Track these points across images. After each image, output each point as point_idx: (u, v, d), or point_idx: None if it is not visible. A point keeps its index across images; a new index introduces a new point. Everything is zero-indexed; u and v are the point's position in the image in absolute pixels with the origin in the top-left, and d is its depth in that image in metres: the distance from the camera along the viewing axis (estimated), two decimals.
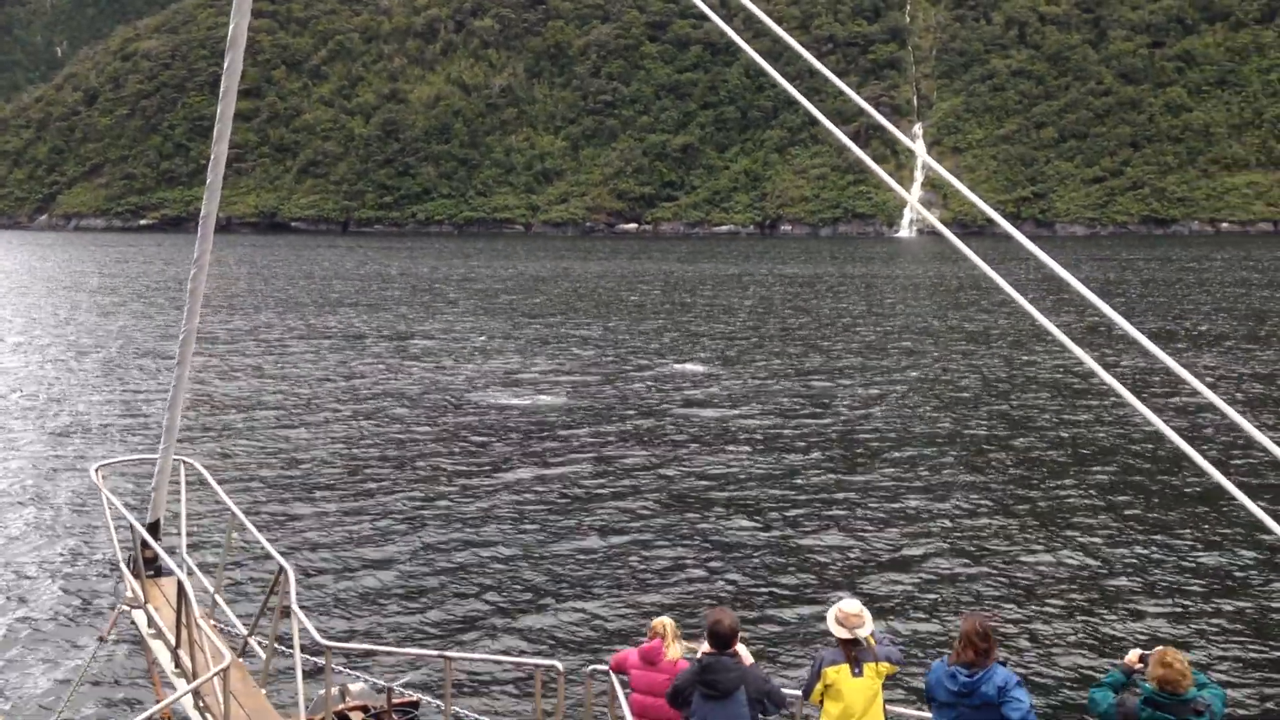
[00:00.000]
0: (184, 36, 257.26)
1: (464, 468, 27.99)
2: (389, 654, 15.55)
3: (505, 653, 16.12)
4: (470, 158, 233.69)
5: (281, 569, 9.63)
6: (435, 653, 12.83)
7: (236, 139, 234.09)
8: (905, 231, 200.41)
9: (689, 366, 45.13)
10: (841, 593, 17.22)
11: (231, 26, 7.80)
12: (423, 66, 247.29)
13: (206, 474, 12.04)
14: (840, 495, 25.14)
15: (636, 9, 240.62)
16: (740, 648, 8.71)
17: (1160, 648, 7.93)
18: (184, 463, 12.19)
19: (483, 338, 54.74)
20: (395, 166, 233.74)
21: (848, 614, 8.46)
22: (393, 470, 27.70)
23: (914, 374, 43.05)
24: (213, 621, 11.09)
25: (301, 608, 10.06)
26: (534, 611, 18.07)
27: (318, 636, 9.81)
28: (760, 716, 8.61)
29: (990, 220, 3.66)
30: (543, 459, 28.84)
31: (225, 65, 8.38)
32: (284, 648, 10.55)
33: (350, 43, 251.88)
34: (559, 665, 10.90)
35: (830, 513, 23.79)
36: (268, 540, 10.78)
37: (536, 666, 11.65)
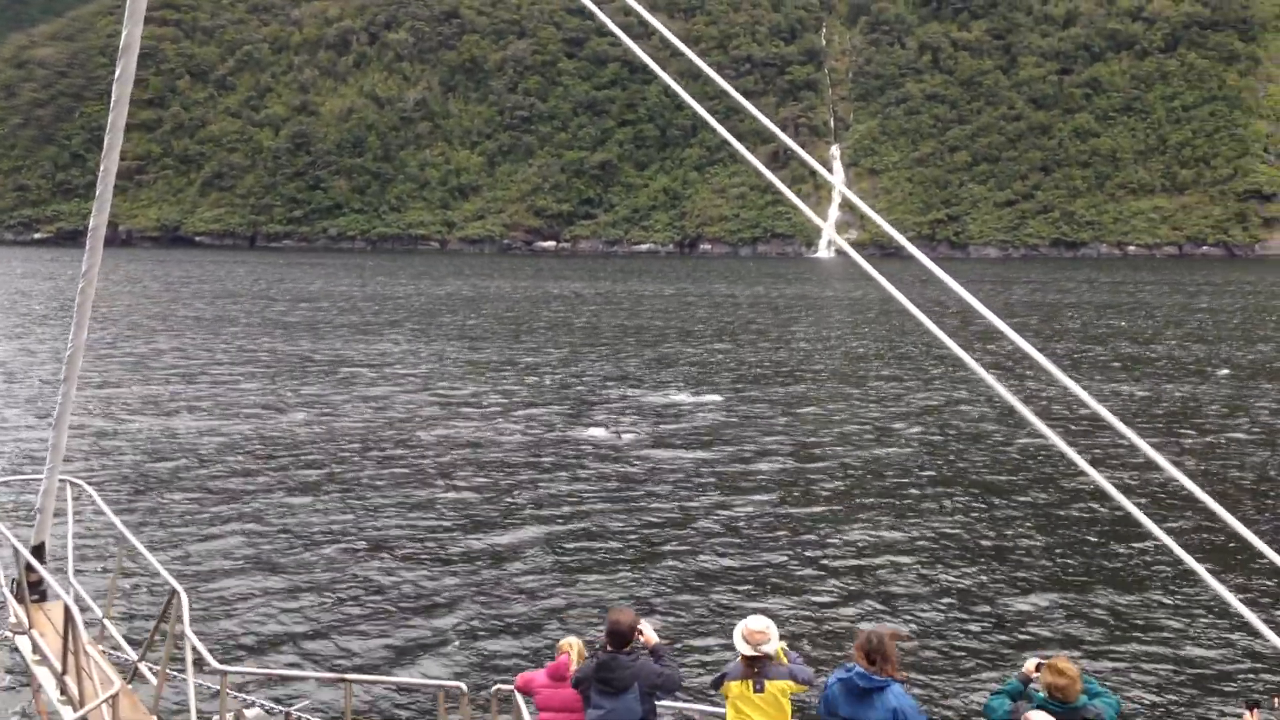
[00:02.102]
0: (81, 44, 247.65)
1: (365, 489, 27.19)
2: (287, 678, 15.24)
3: (408, 675, 15.79)
4: (384, 172, 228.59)
5: (174, 592, 9.45)
6: (334, 676, 12.61)
7: (138, 150, 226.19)
8: (824, 252, 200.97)
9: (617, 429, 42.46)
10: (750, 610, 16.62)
11: (124, 34, 7.43)
12: (334, 78, 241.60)
13: (95, 494, 11.84)
14: (742, 516, 24.87)
15: (553, 25, 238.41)
16: (644, 626, 9.04)
17: (1054, 656, 8.02)
18: (70, 483, 11.98)
19: (396, 356, 52.43)
20: (305, 180, 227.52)
21: (752, 630, 8.45)
22: (291, 492, 26.80)
23: (836, 397, 41.77)
24: (101, 647, 10.86)
25: (196, 632, 9.69)
26: (437, 633, 17.70)
27: (212, 661, 9.60)
28: (656, 703, 8.93)
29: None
30: (447, 481, 28.07)
31: (117, 74, 8.07)
32: (177, 673, 10.22)
33: (259, 53, 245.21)
34: (463, 686, 10.79)
35: (742, 533, 23.53)
36: (160, 563, 10.53)
37: (439, 688, 11.40)
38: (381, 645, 17.18)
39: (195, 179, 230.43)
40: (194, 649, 9.23)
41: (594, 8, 5.51)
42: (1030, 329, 69.18)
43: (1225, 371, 49.12)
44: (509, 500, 26.14)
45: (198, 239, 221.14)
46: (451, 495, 26.48)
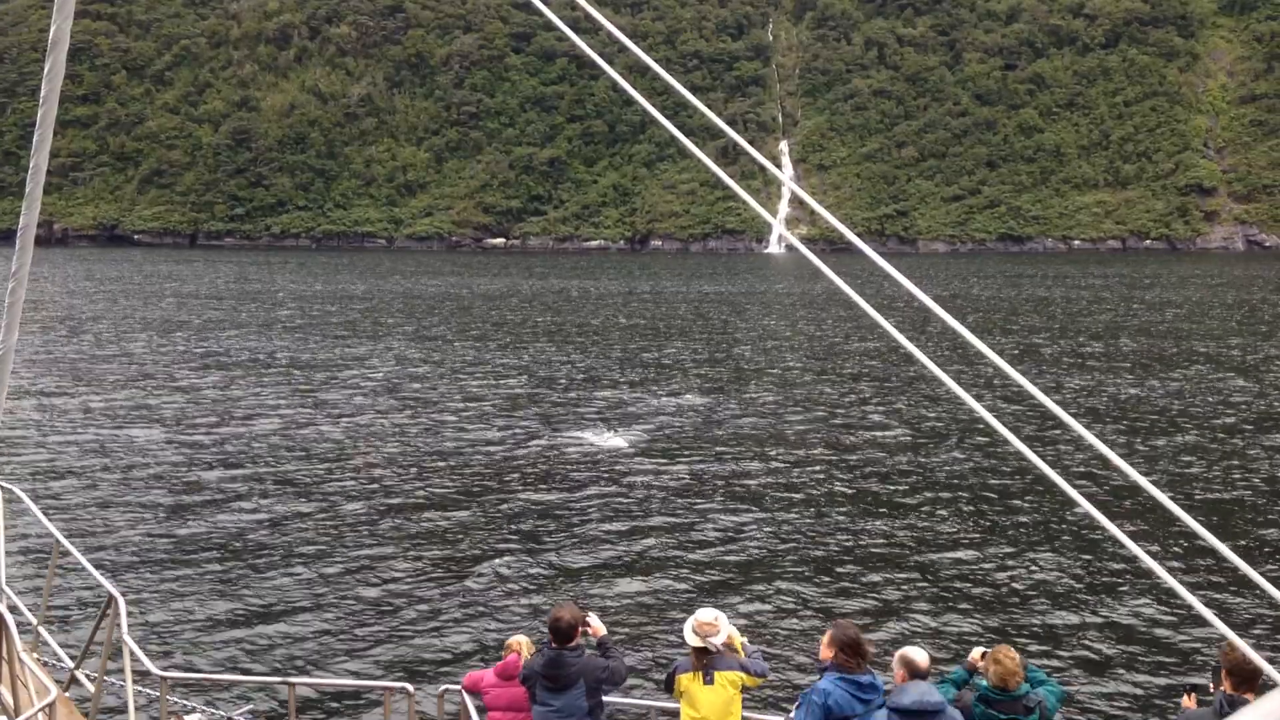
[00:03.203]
0: (13, 39, 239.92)
1: (304, 490, 26.71)
2: (229, 682, 15.00)
3: (353, 676, 15.59)
4: (328, 169, 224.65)
5: (111, 598, 9.36)
6: (278, 679, 12.57)
7: (74, 146, 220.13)
8: (775, 248, 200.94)
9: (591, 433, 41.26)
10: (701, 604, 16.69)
11: (53, 28, 7.06)
12: (275, 74, 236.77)
13: (28, 500, 11.70)
14: (704, 513, 24.65)
15: (500, 20, 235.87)
16: (592, 619, 9.07)
17: (997, 645, 8.12)
18: (3, 488, 11.95)
19: (346, 356, 50.86)
20: (247, 177, 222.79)
21: (702, 623, 8.50)
22: (230, 494, 26.37)
23: (783, 391, 40.69)
24: (36, 655, 10.70)
25: (135, 638, 9.56)
26: (381, 634, 17.47)
27: (151, 666, 9.54)
28: (603, 696, 8.94)
29: (856, 237, 4.11)
30: (389, 480, 27.62)
31: (46, 69, 7.73)
32: (115, 680, 10.17)
33: (197, 48, 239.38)
34: (409, 687, 10.71)
35: (706, 530, 23.37)
36: (96, 568, 10.39)
37: (385, 689, 11.35)
38: (326, 647, 16.94)
39: (133, 176, 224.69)
40: (133, 655, 9.09)
41: (540, 4, 5.30)
42: (986, 325, 69.04)
43: (1172, 362, 49.11)
44: (453, 499, 25.73)
45: (136, 237, 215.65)
46: (395, 497, 26.03)
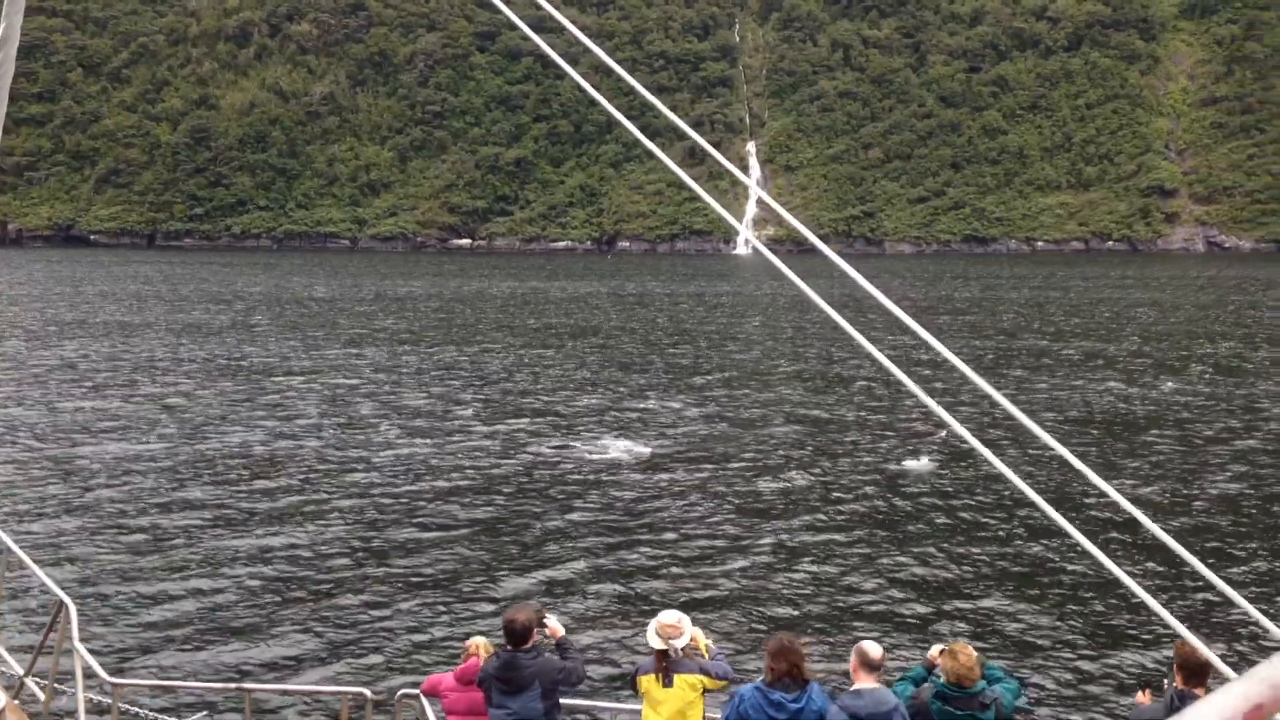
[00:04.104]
0: None
1: (257, 493, 26.20)
2: (182, 689, 14.66)
3: (309, 682, 15.30)
4: (289, 168, 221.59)
5: (61, 604, 9.31)
6: (232, 685, 12.20)
7: (28, 145, 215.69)
8: (743, 248, 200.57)
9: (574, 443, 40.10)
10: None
11: (3, 24, 6.93)
12: (235, 72, 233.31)
13: None
14: (669, 517, 24.28)
15: (464, 18, 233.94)
16: (550, 619, 9.02)
17: (953, 642, 8.16)
18: None
19: (302, 360, 49.43)
20: (206, 176, 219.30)
21: (664, 625, 8.53)
22: (181, 497, 25.76)
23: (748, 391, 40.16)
24: None
25: (85, 644, 9.50)
26: (339, 638, 17.16)
27: (102, 673, 9.45)
28: (560, 698, 8.89)
29: (822, 238, 4.37)
30: (345, 483, 27.15)
31: None
32: (66, 687, 10.05)
33: (155, 45, 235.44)
34: (366, 692, 10.55)
35: (670, 534, 23.03)
36: (47, 574, 10.43)
37: (342, 694, 11.17)
38: (281, 653, 16.61)
39: (89, 175, 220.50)
40: (83, 661, 9.00)
41: (501, 5, 5.07)
42: (954, 326, 68.71)
43: (1137, 362, 48.88)
44: (411, 502, 25.24)
45: (93, 238, 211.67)
46: (350, 500, 25.49)
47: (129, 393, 41.37)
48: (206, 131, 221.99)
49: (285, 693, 14.83)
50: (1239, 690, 1.10)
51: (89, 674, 9.32)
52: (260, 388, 42.53)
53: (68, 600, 9.33)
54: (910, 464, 29.22)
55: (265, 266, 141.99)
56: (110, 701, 9.80)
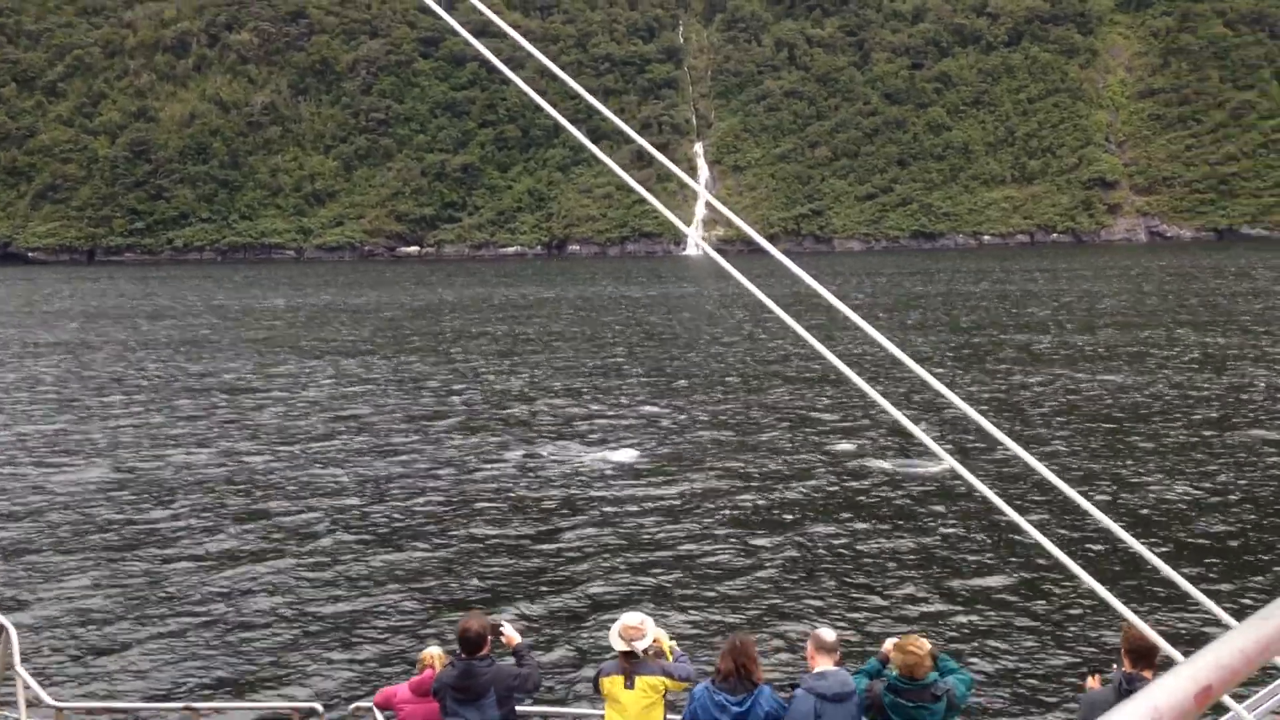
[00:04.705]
0: None
1: (203, 510, 25.58)
2: (129, 710, 14.26)
3: (259, 699, 14.92)
4: (232, 179, 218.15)
5: (2, 627, 9.15)
6: (180, 705, 12.15)
7: None
8: (693, 250, 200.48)
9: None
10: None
11: None
12: (174, 83, 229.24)
13: None
14: (629, 521, 23.92)
15: (407, 24, 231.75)
16: (506, 627, 9.02)
17: (905, 635, 8.22)
18: None
19: (249, 375, 48.48)
20: (147, 189, 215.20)
21: (627, 627, 8.56)
22: (125, 516, 25.10)
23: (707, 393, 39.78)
24: None
25: (28, 668, 9.26)
26: (287, 655, 16.83)
27: (46, 697, 9.31)
28: (516, 705, 8.90)
29: (772, 237, 4.35)
30: (292, 495, 26.69)
31: None
32: (9, 712, 9.88)
33: (90, 58, 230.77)
34: (318, 707, 10.46)
35: (628, 539, 22.68)
36: None
37: (293, 710, 11.01)
38: (230, 671, 16.39)
39: (26, 191, 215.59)
40: (26, 686, 8.83)
41: (441, 12, 4.98)
42: (900, 322, 68.88)
43: (1070, 352, 49.24)
44: (360, 515, 24.73)
45: (30, 255, 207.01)
46: (299, 514, 24.94)
47: (70, 412, 40.38)
48: (146, 144, 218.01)
49: (236, 711, 14.65)
50: (1187, 672, 1.13)
51: (32, 699, 9.08)
52: (208, 403, 41.61)
53: (8, 623, 9.19)
54: (869, 460, 28.94)
55: (210, 279, 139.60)
56: None
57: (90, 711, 14.09)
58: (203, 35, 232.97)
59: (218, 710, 14.27)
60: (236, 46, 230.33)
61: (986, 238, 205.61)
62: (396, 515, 24.62)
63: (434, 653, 9.66)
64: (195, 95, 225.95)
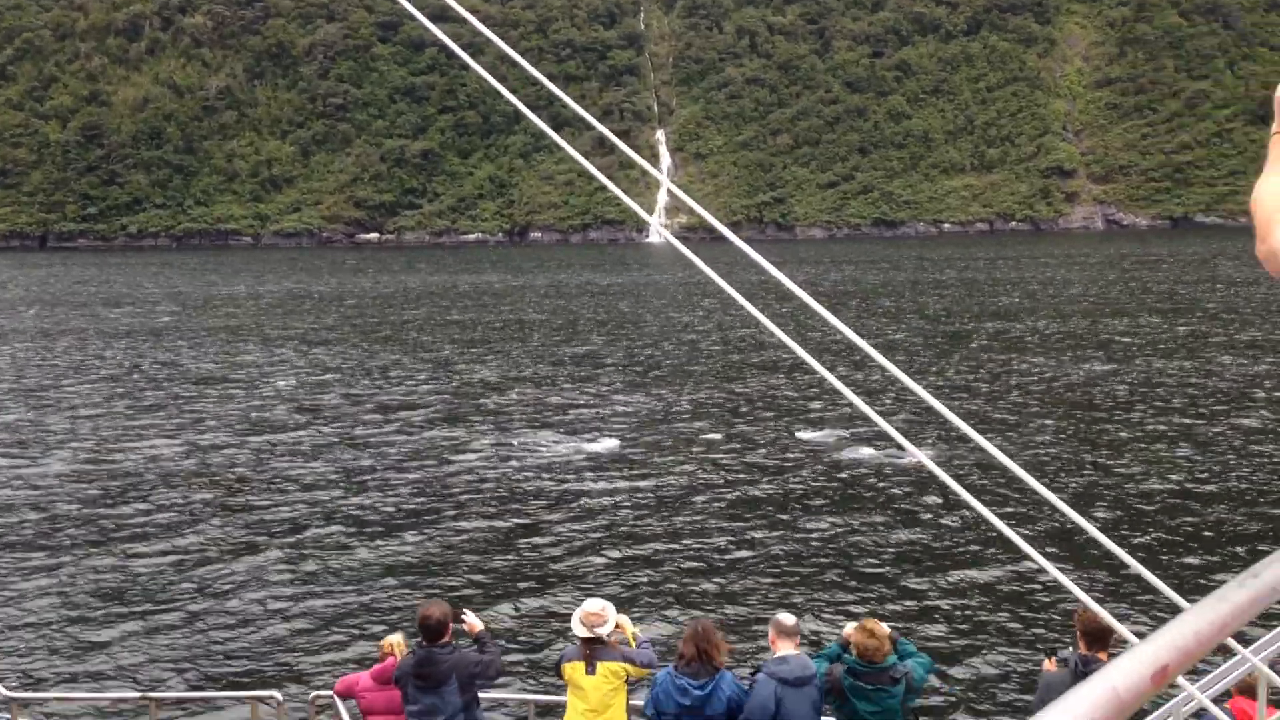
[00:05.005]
0: None
1: (159, 500, 25.25)
2: (85, 700, 14.27)
3: (217, 689, 14.82)
4: (187, 164, 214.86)
5: None
6: (138, 694, 11.97)
7: None
8: (655, 237, 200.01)
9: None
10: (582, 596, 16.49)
11: None
12: (126, 67, 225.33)
13: None
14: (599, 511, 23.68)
15: (364, 8, 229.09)
16: (468, 615, 9.01)
17: (864, 619, 8.36)
18: None
19: (208, 364, 47.53)
20: (99, 175, 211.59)
21: (589, 613, 8.61)
22: (79, 507, 24.76)
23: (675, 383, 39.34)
24: None
25: None
26: (247, 643, 16.63)
27: (1, 689, 9.19)
28: (478, 691, 8.95)
29: (735, 224, 4.36)
30: (256, 485, 26.38)
31: None
32: None
33: (40, 40, 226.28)
34: (278, 696, 10.40)
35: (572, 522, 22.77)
36: None
37: (253, 699, 11.00)
38: (188, 660, 16.15)
39: None
40: None
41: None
42: (869, 308, 69.10)
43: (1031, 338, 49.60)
44: (321, 503, 24.51)
45: None
46: (259, 501, 24.80)
47: (23, 402, 39.54)
48: (98, 129, 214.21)
49: (194, 700, 14.45)
50: (1145, 653, 1.15)
51: None
52: (171, 393, 40.88)
53: None
54: (840, 449, 28.91)
55: (167, 266, 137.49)
56: (9, 716, 9.42)
57: (45, 701, 14.00)
58: (156, 18, 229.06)
59: (176, 700, 14.09)
60: (190, 30, 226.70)
61: (947, 226, 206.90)
62: (364, 505, 24.30)
63: (395, 640, 9.57)
64: (148, 79, 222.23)
